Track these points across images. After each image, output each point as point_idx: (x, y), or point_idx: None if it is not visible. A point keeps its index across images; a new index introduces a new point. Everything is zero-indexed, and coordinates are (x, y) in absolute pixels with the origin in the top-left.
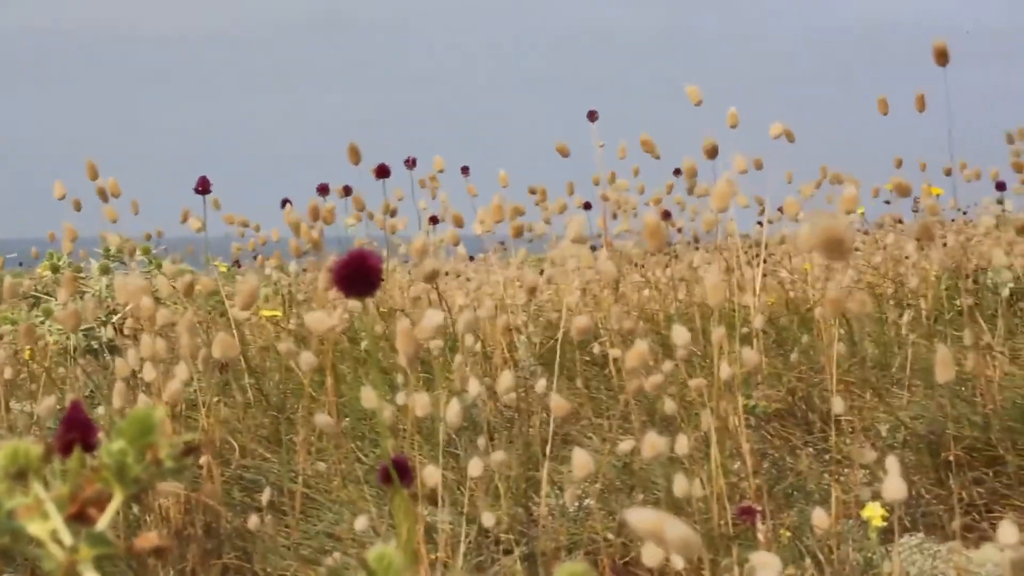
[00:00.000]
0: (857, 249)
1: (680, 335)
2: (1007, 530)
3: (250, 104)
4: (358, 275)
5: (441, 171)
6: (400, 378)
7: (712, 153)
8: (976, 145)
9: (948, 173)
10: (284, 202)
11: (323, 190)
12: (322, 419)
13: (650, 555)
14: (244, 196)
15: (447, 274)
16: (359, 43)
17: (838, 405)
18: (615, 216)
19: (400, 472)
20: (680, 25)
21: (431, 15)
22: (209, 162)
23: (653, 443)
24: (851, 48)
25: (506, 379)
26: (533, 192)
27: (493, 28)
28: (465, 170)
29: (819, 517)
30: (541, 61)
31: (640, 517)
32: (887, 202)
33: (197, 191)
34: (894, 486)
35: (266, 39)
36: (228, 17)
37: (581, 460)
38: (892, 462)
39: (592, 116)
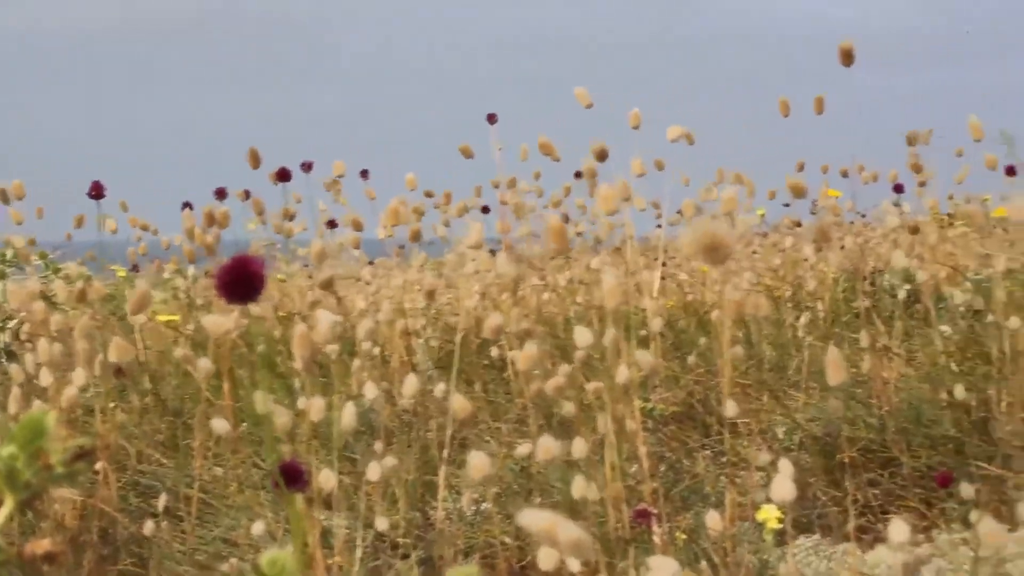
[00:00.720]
0: (755, 252)
1: (582, 336)
2: (897, 528)
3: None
4: (240, 281)
5: (342, 175)
6: (297, 382)
7: (602, 156)
8: (880, 148)
9: (845, 175)
10: (185, 205)
11: (220, 194)
12: (219, 424)
13: (546, 558)
14: (150, 199)
15: (348, 278)
16: (258, 42)
17: (731, 408)
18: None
19: (292, 477)
20: (588, 26)
21: (340, 11)
22: (116, 164)
23: (547, 447)
24: (761, 51)
25: (410, 383)
26: (431, 195)
27: (404, 28)
28: (364, 173)
29: (714, 519)
30: (452, 63)
31: (534, 518)
32: (786, 204)
33: (91, 196)
34: (783, 487)
35: (166, 32)
36: (122, 12)
37: (478, 462)
38: (784, 464)
39: (492, 119)
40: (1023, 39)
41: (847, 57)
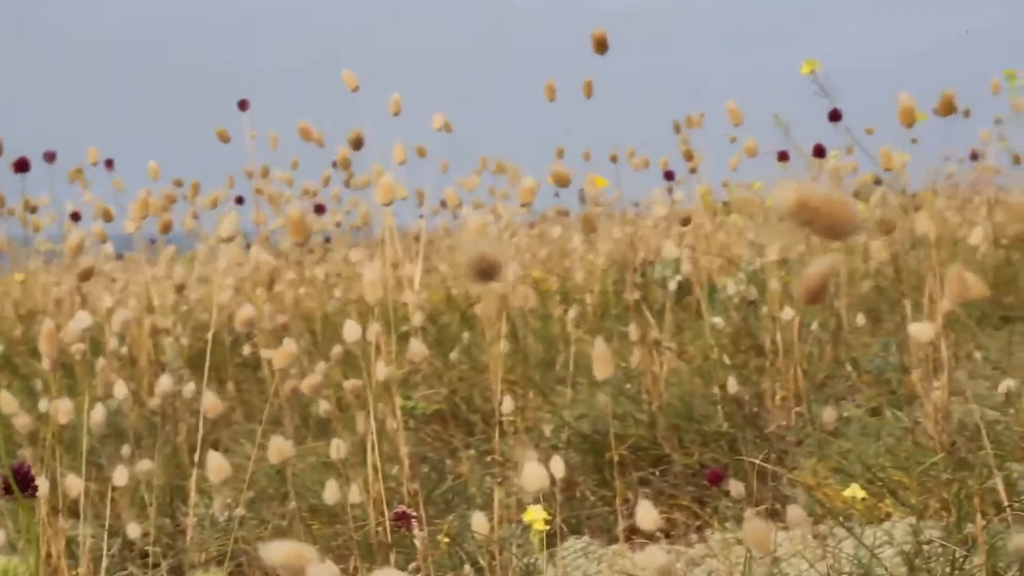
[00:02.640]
0: (529, 246)
1: (351, 330)
2: (644, 512)
3: None
4: None
5: (95, 164)
6: (40, 383)
7: (357, 144)
8: (645, 134)
9: (614, 160)
10: None
11: None
12: None
13: None
14: None
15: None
16: None
17: (507, 404)
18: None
19: (24, 482)
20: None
21: None
22: None
23: (279, 448)
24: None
25: (161, 384)
26: (180, 184)
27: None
28: (110, 163)
29: (479, 522)
30: (203, 46)
31: (279, 552)
32: (556, 195)
33: None
34: (533, 474)
35: None
36: None
37: (217, 465)
38: (555, 461)
39: (243, 105)
40: (795, 25)
41: (600, 46)
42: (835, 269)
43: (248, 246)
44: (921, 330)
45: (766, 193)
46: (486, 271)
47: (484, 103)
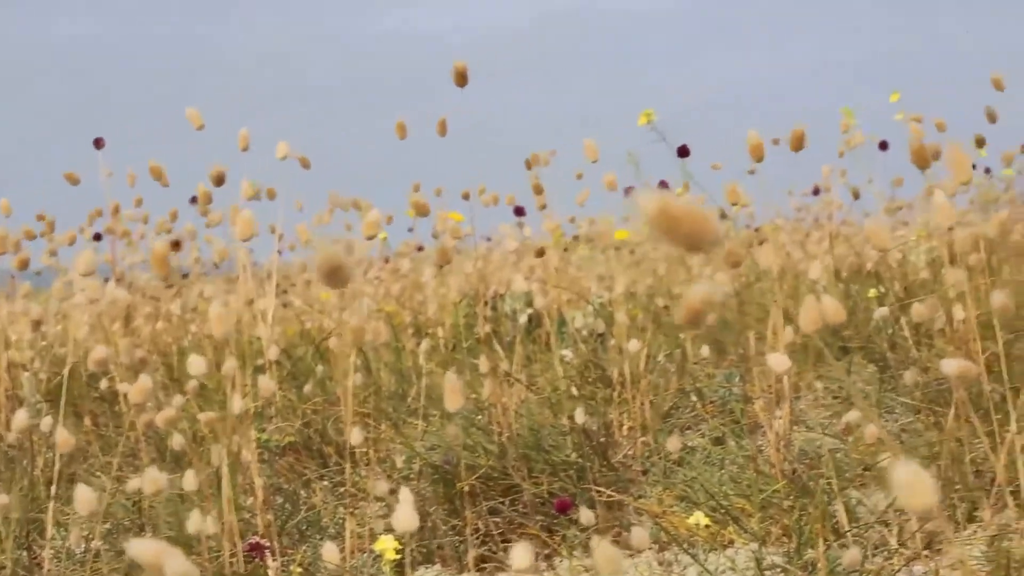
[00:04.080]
0: (377, 277)
1: (196, 365)
2: (520, 554)
3: None
4: None
5: None
6: None
7: (219, 180)
8: (498, 169)
9: (466, 197)
10: None
11: None
12: None
13: None
14: None
15: None
16: None
17: (356, 436)
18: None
19: None
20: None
21: None
22: None
23: (153, 479)
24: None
25: (19, 418)
26: (42, 219)
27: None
28: None
29: (330, 552)
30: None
31: (141, 549)
32: (410, 229)
33: None
34: (404, 517)
35: None
36: None
37: (84, 497)
38: (405, 493)
39: (98, 143)
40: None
41: (461, 78)
42: (714, 295)
43: (107, 281)
44: (778, 362)
45: (615, 227)
46: (334, 274)
47: (346, 138)
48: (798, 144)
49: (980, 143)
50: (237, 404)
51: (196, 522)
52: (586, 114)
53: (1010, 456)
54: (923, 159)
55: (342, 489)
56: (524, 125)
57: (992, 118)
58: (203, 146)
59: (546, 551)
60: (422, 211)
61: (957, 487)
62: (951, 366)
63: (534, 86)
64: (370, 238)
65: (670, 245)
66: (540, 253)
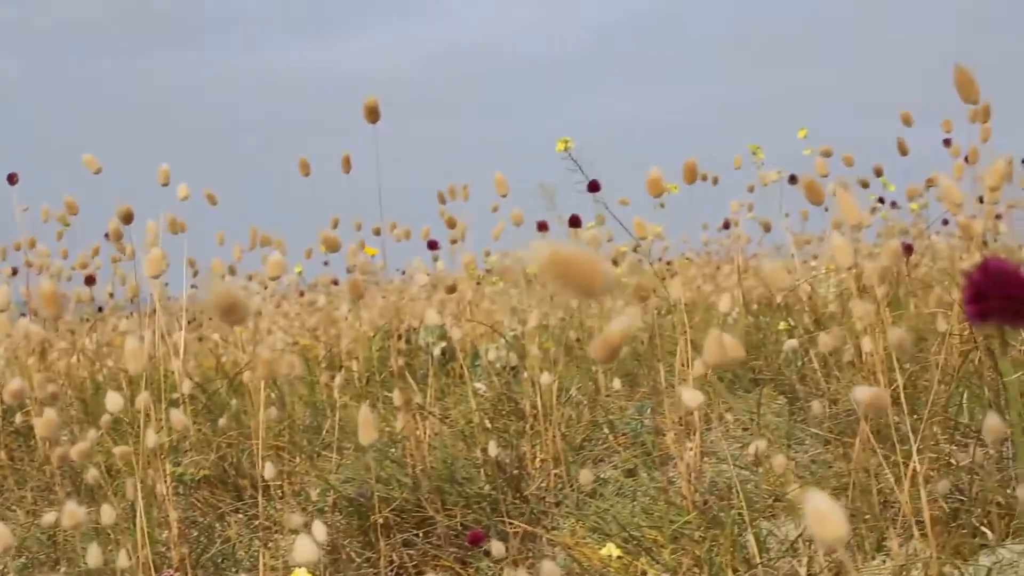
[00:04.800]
0: (291, 312)
1: (113, 401)
2: None
3: None
4: None
5: None
6: None
7: (128, 218)
8: (407, 203)
9: (378, 232)
10: None
11: None
12: None
13: None
14: None
15: None
16: None
17: (268, 470)
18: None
19: None
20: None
21: None
22: None
23: (72, 513)
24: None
25: None
26: None
27: None
28: None
29: None
30: None
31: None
32: (325, 263)
33: None
34: (305, 548)
35: None
36: None
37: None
38: (318, 526)
39: (12, 179)
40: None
41: (372, 114)
42: (630, 330)
43: (23, 316)
44: (691, 396)
45: (526, 261)
46: (229, 311)
47: (263, 173)
48: (691, 176)
49: (878, 173)
50: (151, 438)
51: (95, 556)
52: (497, 149)
53: (914, 487)
54: (816, 195)
55: (257, 522)
56: (441, 160)
57: (903, 150)
58: (132, 183)
59: None
60: (332, 246)
61: (866, 517)
62: (863, 393)
63: (447, 122)
64: (273, 279)
65: (562, 291)
66: (451, 289)
